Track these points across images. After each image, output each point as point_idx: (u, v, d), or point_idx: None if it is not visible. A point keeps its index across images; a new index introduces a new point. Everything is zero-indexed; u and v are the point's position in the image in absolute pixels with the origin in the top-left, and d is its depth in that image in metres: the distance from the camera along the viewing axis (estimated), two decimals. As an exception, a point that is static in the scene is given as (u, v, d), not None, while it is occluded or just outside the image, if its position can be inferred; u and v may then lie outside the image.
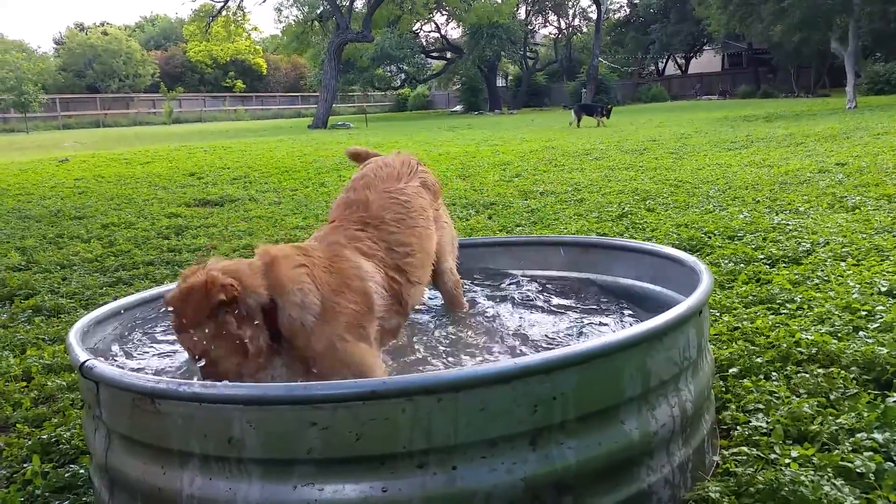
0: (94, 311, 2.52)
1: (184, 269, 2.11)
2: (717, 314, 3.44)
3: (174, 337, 2.68)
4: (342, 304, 2.12)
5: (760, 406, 2.45)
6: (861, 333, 3.00)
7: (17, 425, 2.79)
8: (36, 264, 5.59)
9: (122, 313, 2.66)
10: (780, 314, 3.38)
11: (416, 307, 2.71)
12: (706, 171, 8.94)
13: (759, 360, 2.82)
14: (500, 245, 3.55)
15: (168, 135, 29.19)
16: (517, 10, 50.43)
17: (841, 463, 2.02)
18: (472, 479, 1.65)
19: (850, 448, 2.12)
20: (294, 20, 43.68)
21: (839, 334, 3.01)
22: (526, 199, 7.59)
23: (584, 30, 55.22)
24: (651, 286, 2.92)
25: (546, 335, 2.68)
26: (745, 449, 2.17)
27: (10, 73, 38.09)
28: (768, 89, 40.91)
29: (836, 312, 3.26)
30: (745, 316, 3.38)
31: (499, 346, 2.62)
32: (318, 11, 41.35)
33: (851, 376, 2.62)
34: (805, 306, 3.44)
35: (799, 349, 2.88)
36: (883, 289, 3.54)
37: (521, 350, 2.59)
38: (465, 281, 3.15)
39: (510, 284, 3.30)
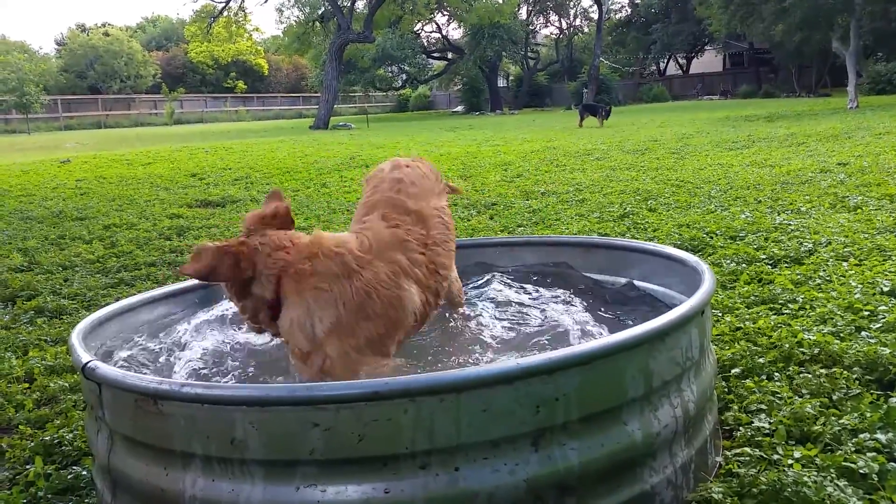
0: (97, 312, 2.52)
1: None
2: (720, 314, 3.44)
3: (173, 337, 2.69)
4: (363, 327, 2.13)
5: (763, 406, 2.45)
6: (863, 333, 2.99)
7: (20, 427, 2.79)
8: (38, 265, 5.60)
9: (124, 314, 2.66)
10: (783, 314, 3.38)
11: None
12: (708, 171, 8.93)
13: (761, 360, 2.82)
14: (501, 245, 3.54)
15: (169, 135, 29.22)
16: (518, 10, 50.41)
17: (844, 463, 2.02)
18: (474, 479, 1.65)
19: (853, 449, 2.12)
20: (295, 21, 43.71)
21: (841, 334, 3.01)
22: (527, 200, 7.59)
23: (586, 30, 55.21)
24: (653, 286, 2.92)
25: (547, 335, 2.68)
26: (747, 449, 2.17)
27: (12, 74, 38.14)
28: (770, 89, 40.88)
29: (839, 312, 3.26)
30: (748, 316, 3.38)
31: (500, 347, 2.62)
32: (320, 12, 41.39)
33: (854, 376, 2.61)
34: (807, 306, 3.43)
35: (801, 349, 2.88)
36: (885, 289, 3.54)
37: (522, 350, 2.58)
38: (464, 280, 3.15)
39: (509, 284, 3.30)
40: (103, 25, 64.88)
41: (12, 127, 41.13)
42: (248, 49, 58.18)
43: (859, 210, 5.65)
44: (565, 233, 5.63)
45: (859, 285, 3.61)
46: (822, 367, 2.72)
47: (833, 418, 2.30)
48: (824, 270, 4.00)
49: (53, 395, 3.09)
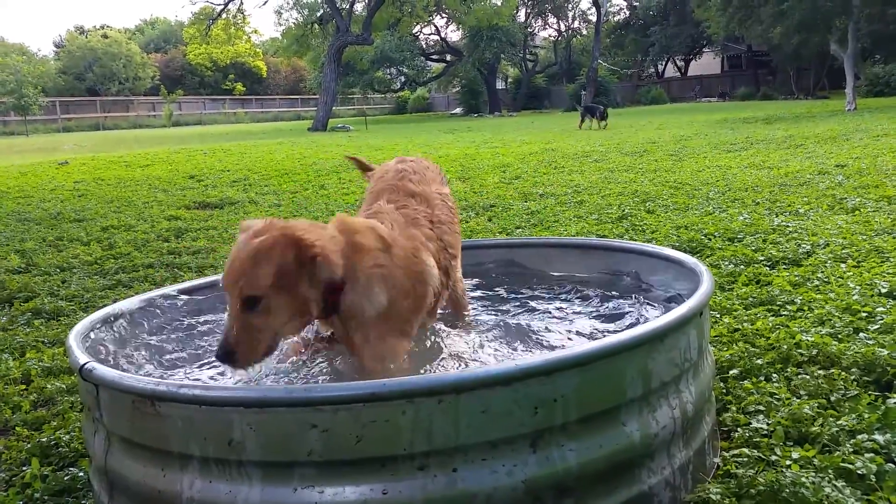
0: (94, 314, 2.51)
1: (245, 221, 2.17)
2: (718, 316, 3.44)
3: (170, 338, 2.69)
4: (402, 306, 2.22)
5: (761, 408, 2.44)
6: (861, 335, 2.99)
7: (17, 428, 2.78)
8: (35, 267, 5.59)
9: (122, 316, 2.66)
10: (781, 316, 3.38)
11: None
12: (706, 172, 8.94)
13: (759, 361, 2.82)
14: (502, 247, 3.55)
15: (168, 137, 29.20)
16: (517, 12, 50.51)
17: (842, 464, 2.02)
18: (472, 481, 1.64)
19: (850, 449, 2.12)
20: (294, 23, 43.70)
21: (839, 336, 3.01)
22: (526, 202, 7.59)
23: (584, 32, 55.24)
24: (652, 288, 2.92)
25: (547, 336, 2.68)
26: (745, 450, 2.17)
27: (10, 76, 38.12)
28: (768, 91, 40.94)
29: (837, 314, 3.26)
30: (746, 318, 3.38)
31: (499, 348, 2.62)
32: (318, 14, 41.38)
33: (852, 378, 2.61)
34: (805, 308, 3.43)
35: (799, 351, 2.88)
36: (883, 290, 3.54)
37: (521, 351, 2.58)
38: (468, 281, 3.14)
39: (509, 285, 3.30)
40: (102, 27, 64.86)
41: (10, 129, 41.10)
42: (247, 51, 58.16)
43: (857, 212, 5.66)
44: (563, 234, 5.64)
45: (857, 287, 3.61)
46: (820, 369, 2.72)
47: (831, 419, 2.30)
48: (822, 272, 4.00)
49: (50, 397, 3.08)
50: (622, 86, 49.19)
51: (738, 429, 2.34)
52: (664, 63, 56.27)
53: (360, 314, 2.14)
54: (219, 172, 12.42)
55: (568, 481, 1.72)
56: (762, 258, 4.41)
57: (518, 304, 3.11)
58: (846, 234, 4.83)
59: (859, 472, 1.98)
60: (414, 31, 49.16)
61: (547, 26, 57.10)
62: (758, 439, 2.25)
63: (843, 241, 4.63)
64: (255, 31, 68.49)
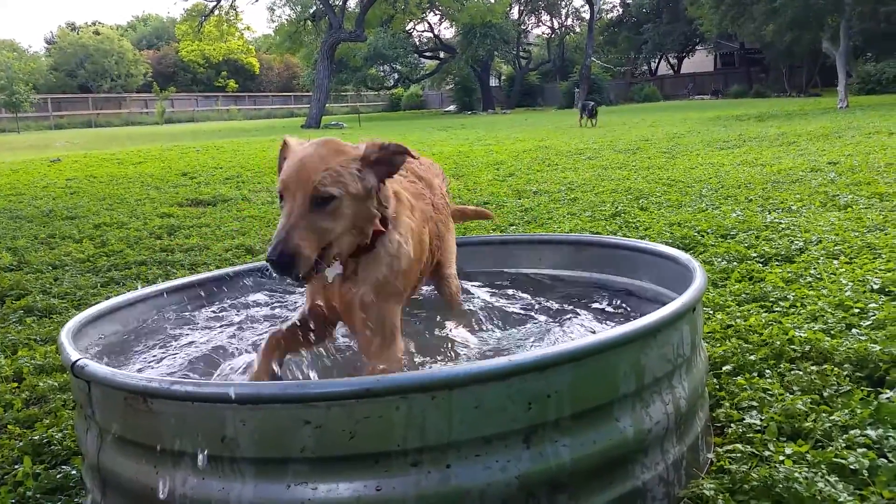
0: (86, 311, 2.50)
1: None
2: (711, 312, 3.44)
3: (167, 337, 2.67)
4: (413, 270, 2.31)
5: (754, 403, 2.45)
6: (854, 331, 3.00)
7: (9, 426, 2.77)
8: (27, 264, 5.56)
9: (114, 313, 2.65)
10: (774, 312, 3.39)
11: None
12: (699, 170, 8.96)
13: (752, 357, 2.83)
14: (497, 244, 3.54)
15: (160, 134, 29.09)
16: (510, 9, 50.51)
17: (835, 459, 2.03)
18: (466, 477, 1.64)
19: (843, 445, 2.12)
20: (287, 19, 43.63)
21: (832, 332, 3.02)
22: (519, 199, 7.59)
23: (577, 30, 55.30)
24: (645, 284, 2.92)
25: (539, 333, 2.68)
26: (739, 446, 2.18)
27: (1, 73, 37.85)
28: (760, 89, 41.06)
29: (829, 310, 3.27)
30: (739, 314, 3.39)
31: (493, 344, 2.62)
32: (311, 11, 41.32)
33: (844, 373, 2.62)
34: (798, 304, 3.44)
35: (792, 347, 2.89)
36: (875, 286, 3.55)
37: (514, 347, 2.58)
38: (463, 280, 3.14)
39: (505, 283, 3.30)
40: (94, 24, 64.61)
41: (2, 126, 40.85)
42: (240, 48, 58.05)
43: (849, 208, 5.68)
44: (557, 231, 5.64)
45: (850, 283, 3.63)
46: (812, 364, 2.73)
47: (824, 415, 2.31)
48: (815, 268, 4.01)
49: (42, 395, 3.06)
50: (615, 83, 49.27)
51: (732, 424, 2.35)
52: (657, 61, 56.36)
53: (392, 258, 2.17)
54: (211, 169, 12.38)
55: (561, 477, 1.72)
56: (755, 255, 4.42)
57: (515, 301, 3.11)
58: (838, 231, 4.85)
59: (852, 467, 1.99)
60: (407, 28, 49.13)
61: (540, 23, 57.24)
62: (751, 435, 2.26)
63: (836, 238, 4.64)
64: (248, 28, 68.46)
